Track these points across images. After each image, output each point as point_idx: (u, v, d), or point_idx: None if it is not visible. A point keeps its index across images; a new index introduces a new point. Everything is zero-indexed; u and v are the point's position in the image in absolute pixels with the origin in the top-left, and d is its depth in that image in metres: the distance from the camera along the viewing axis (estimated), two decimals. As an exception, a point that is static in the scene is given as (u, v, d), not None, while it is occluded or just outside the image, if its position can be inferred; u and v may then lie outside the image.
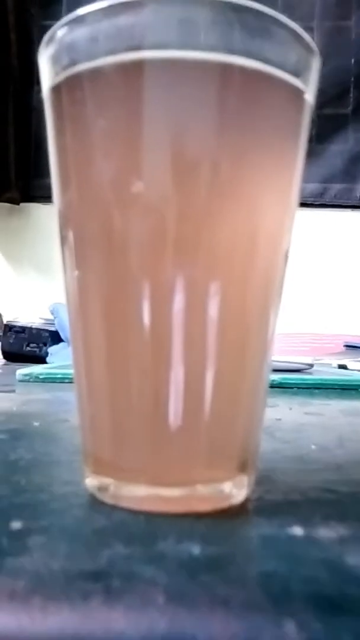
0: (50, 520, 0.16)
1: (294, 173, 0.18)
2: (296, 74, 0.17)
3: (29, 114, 1.45)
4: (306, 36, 0.17)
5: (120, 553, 0.13)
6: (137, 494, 0.17)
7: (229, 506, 0.17)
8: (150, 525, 0.15)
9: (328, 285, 1.43)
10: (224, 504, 0.17)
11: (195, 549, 0.14)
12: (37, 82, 0.18)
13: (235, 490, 0.18)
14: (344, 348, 1.07)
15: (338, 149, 1.43)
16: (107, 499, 0.18)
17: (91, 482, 0.18)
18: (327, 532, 0.15)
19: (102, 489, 0.18)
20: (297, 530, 0.15)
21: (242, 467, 0.18)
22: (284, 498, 0.18)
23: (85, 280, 0.18)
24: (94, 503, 0.17)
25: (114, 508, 0.17)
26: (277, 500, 0.18)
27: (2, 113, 1.44)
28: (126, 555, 0.13)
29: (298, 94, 0.18)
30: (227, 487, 0.18)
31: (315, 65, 0.18)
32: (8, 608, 0.11)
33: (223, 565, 0.13)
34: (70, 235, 0.18)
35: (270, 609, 0.11)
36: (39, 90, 0.19)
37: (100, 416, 0.18)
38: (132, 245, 0.16)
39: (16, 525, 0.15)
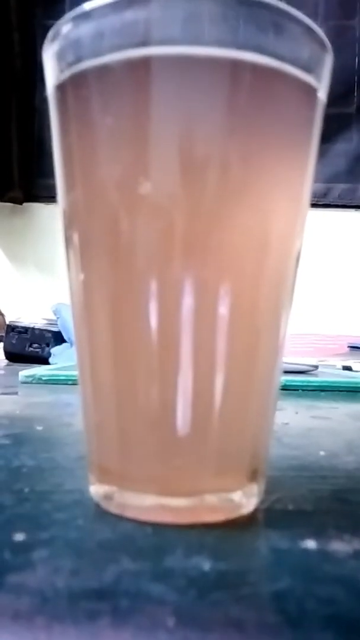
0: (54, 531, 0.15)
1: (305, 172, 0.18)
2: (308, 70, 0.17)
3: (32, 114, 1.45)
4: (319, 31, 0.17)
5: (127, 569, 0.13)
6: (144, 504, 0.17)
7: (239, 516, 0.17)
8: (157, 538, 0.15)
9: (332, 285, 1.42)
10: (233, 514, 0.17)
11: (205, 565, 0.13)
12: (40, 81, 0.18)
13: (245, 499, 0.17)
14: (348, 349, 1.07)
15: (342, 149, 1.43)
16: (112, 508, 0.17)
17: (96, 490, 0.18)
18: (341, 546, 0.14)
19: (108, 497, 0.17)
20: (310, 544, 0.14)
21: (252, 476, 0.18)
22: (294, 508, 0.18)
23: (91, 283, 0.17)
24: (99, 513, 0.17)
25: (119, 518, 0.16)
26: (288, 510, 0.17)
27: (5, 113, 1.44)
28: (133, 571, 0.13)
29: (310, 91, 0.17)
30: (236, 496, 0.17)
31: (328, 62, 0.17)
32: (12, 628, 0.11)
33: (234, 583, 0.12)
34: (75, 237, 0.18)
35: (286, 632, 0.10)
36: (42, 90, 0.18)
37: (106, 423, 0.18)
38: (139, 247, 0.16)
39: (19, 537, 0.15)
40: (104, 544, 0.14)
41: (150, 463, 0.17)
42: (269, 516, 0.17)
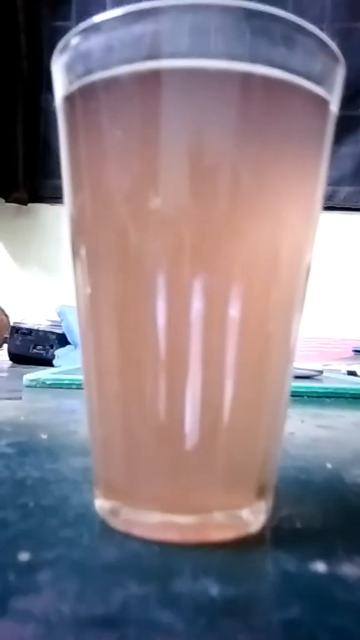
0: (60, 551, 0.15)
1: (317, 185, 0.17)
2: (320, 82, 0.16)
3: (37, 115, 1.45)
4: (331, 43, 0.16)
5: (134, 594, 0.12)
6: (151, 521, 0.16)
7: (246, 535, 0.16)
8: (164, 559, 0.15)
9: (337, 288, 1.41)
10: (241, 532, 0.16)
11: (214, 589, 0.13)
12: (47, 83, 0.17)
13: (253, 517, 0.17)
14: (352, 353, 1.06)
15: (348, 151, 1.42)
16: (118, 524, 0.17)
17: (102, 505, 0.18)
18: (351, 569, 0.14)
19: (114, 513, 0.17)
20: (320, 567, 0.14)
21: (260, 492, 0.17)
22: (303, 526, 0.17)
23: (98, 295, 0.17)
24: (105, 530, 0.17)
25: (126, 536, 0.16)
26: (296, 529, 0.17)
27: (11, 114, 1.44)
28: (140, 596, 0.12)
29: (322, 103, 0.17)
30: (244, 513, 0.17)
31: (340, 73, 0.17)
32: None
33: (244, 610, 0.12)
34: (83, 249, 0.17)
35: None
36: (48, 91, 0.18)
37: (112, 438, 0.17)
38: (148, 260, 0.16)
39: (24, 556, 0.14)
40: (110, 566, 0.14)
41: (157, 479, 0.17)
42: (277, 535, 0.17)
